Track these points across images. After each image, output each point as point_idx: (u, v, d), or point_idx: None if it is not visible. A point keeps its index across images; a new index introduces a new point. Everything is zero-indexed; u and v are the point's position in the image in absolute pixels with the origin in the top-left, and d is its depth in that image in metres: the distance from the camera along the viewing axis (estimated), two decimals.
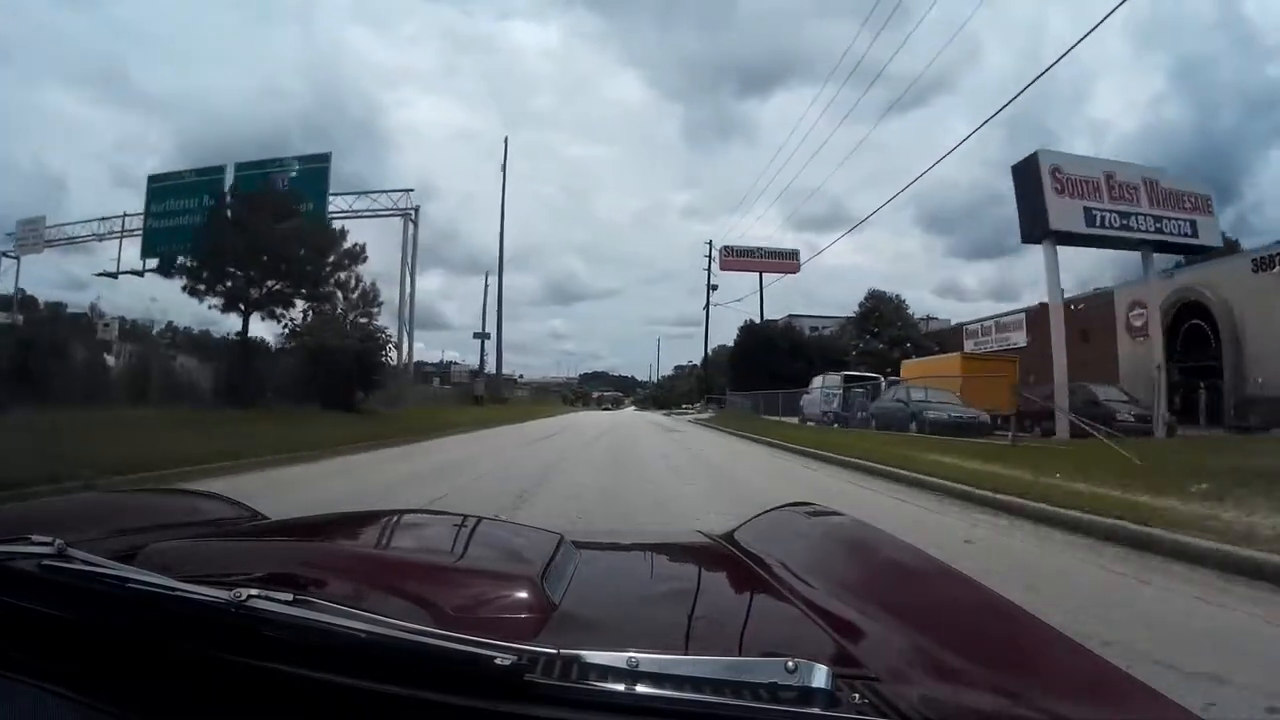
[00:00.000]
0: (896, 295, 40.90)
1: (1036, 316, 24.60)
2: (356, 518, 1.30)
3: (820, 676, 0.51)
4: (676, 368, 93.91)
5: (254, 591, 0.58)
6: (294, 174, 25.50)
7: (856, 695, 0.54)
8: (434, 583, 0.76)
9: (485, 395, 39.51)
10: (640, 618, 0.84)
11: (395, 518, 1.22)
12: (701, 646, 0.72)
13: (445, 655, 0.53)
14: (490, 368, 46.61)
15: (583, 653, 0.54)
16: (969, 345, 30.60)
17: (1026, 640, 0.79)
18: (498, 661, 0.51)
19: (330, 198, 25.62)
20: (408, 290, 27.52)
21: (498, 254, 40.37)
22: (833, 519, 1.34)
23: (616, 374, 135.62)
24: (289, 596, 0.59)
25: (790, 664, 0.51)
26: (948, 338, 34.45)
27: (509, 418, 26.01)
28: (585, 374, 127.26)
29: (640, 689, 0.51)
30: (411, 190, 28.70)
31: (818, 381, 25.40)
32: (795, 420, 23.74)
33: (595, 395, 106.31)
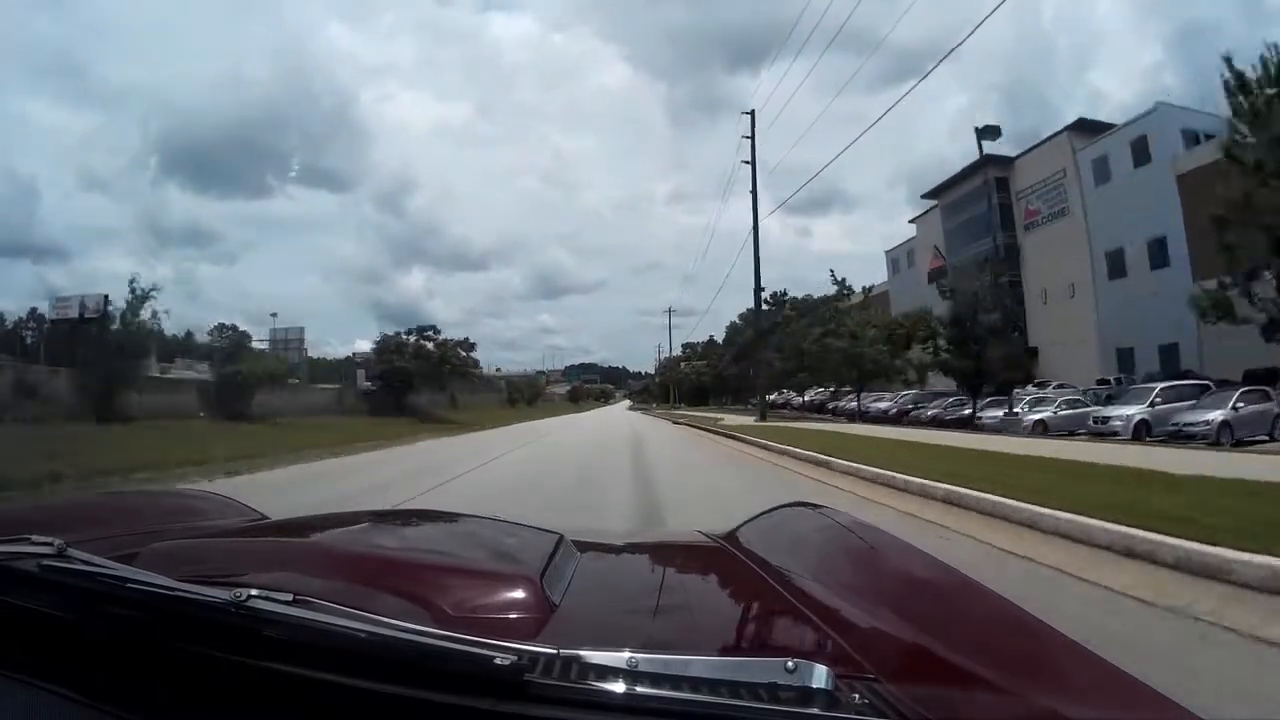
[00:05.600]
0: None
1: None
2: (356, 517, 1.30)
3: (820, 676, 0.51)
4: (685, 346, 70.34)
5: (254, 591, 0.58)
6: None
7: (856, 695, 0.54)
8: (434, 583, 0.76)
9: None
10: (640, 618, 0.84)
11: (395, 518, 1.22)
12: (701, 646, 0.72)
13: (445, 655, 0.53)
14: None
15: (582, 653, 0.54)
16: None
17: (1027, 640, 0.79)
18: (497, 661, 0.51)
19: None
20: None
21: None
22: (833, 519, 1.34)
23: (607, 365, 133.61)
24: (289, 596, 0.59)
25: (790, 664, 0.51)
26: None
27: None
28: (572, 365, 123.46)
29: (640, 689, 0.51)
30: None
31: None
32: None
33: (569, 387, 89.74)
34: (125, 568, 0.66)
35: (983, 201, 33.30)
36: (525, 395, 61.09)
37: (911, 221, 43.88)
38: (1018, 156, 33.88)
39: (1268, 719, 1.96)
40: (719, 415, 32.05)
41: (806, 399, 37.12)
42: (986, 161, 33.65)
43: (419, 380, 31.57)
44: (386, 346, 32.29)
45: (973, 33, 16.22)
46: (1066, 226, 29.78)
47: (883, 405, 28.36)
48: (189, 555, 0.84)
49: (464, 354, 34.73)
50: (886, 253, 46.84)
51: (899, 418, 25.46)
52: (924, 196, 41.61)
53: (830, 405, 34.03)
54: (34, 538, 0.70)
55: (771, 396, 38.52)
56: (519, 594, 0.75)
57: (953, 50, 21.54)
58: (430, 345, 33.34)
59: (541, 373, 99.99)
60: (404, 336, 33.07)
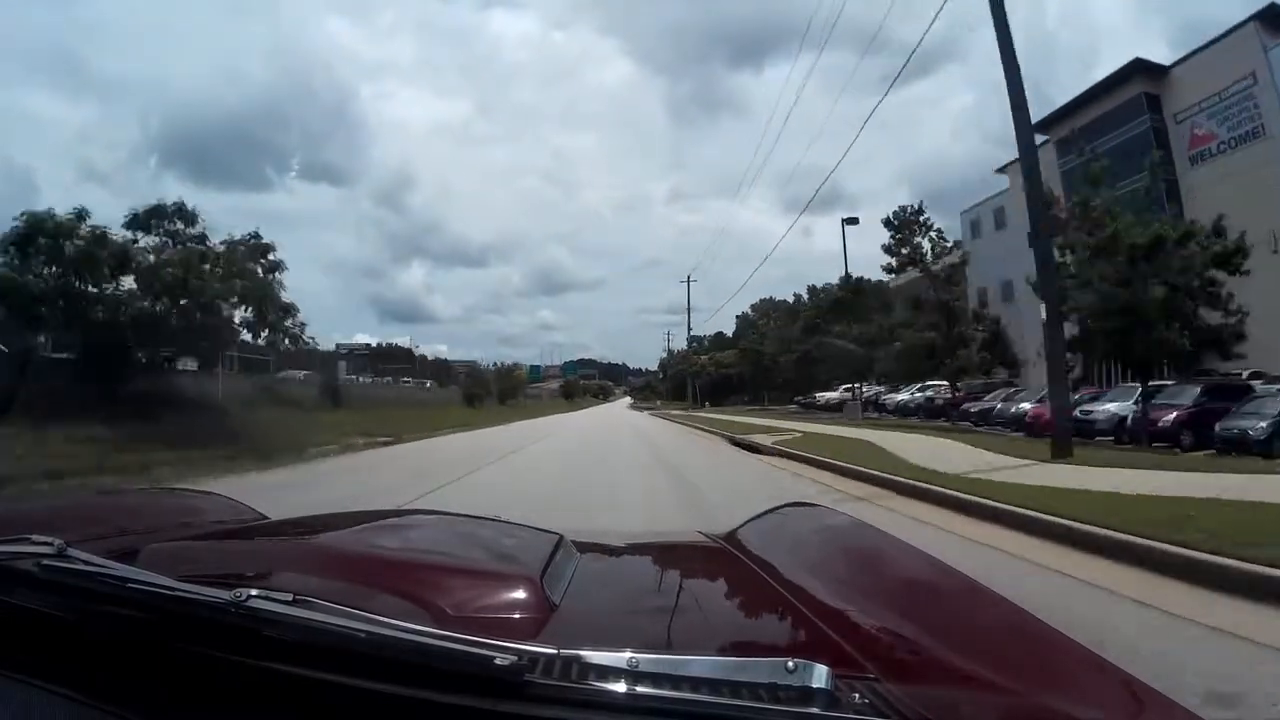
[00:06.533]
0: None
1: None
2: (356, 517, 1.30)
3: (820, 676, 0.51)
4: (691, 340, 58.38)
5: (254, 591, 0.58)
6: None
7: (856, 695, 0.54)
8: (434, 583, 0.76)
9: None
10: (640, 618, 0.84)
11: (396, 518, 1.22)
12: (701, 646, 0.72)
13: (445, 655, 0.53)
14: None
15: (583, 653, 0.54)
16: None
17: (1027, 641, 0.79)
18: (498, 661, 0.51)
19: None
20: None
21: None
22: (833, 520, 1.34)
23: (606, 362, 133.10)
24: (289, 596, 0.59)
25: (790, 664, 0.51)
26: None
27: None
28: (570, 361, 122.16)
29: (640, 689, 0.51)
30: None
31: None
32: None
33: (563, 382, 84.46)
34: (125, 567, 0.66)
35: (1126, 126, 23.23)
36: (496, 390, 44.27)
37: (1002, 170, 29.83)
38: (1174, 64, 23.40)
39: (1269, 719, 1.96)
40: (810, 426, 17.64)
41: (901, 399, 23.98)
42: (1135, 70, 23.42)
43: (144, 338, 12.25)
44: (23, 236, 11.41)
45: (925, 33, 14.88)
46: (1261, 152, 20.16)
47: (1106, 410, 14.09)
48: (189, 555, 0.84)
49: (242, 266, 13.31)
50: (963, 214, 34.56)
51: (1150, 434, 12.53)
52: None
53: (964, 406, 19.28)
54: (34, 538, 0.70)
55: (827, 395, 27.50)
56: (519, 594, 0.75)
57: (913, 52, 18.41)
58: (151, 243, 12.67)
59: (536, 367, 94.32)
60: (76, 221, 11.82)
